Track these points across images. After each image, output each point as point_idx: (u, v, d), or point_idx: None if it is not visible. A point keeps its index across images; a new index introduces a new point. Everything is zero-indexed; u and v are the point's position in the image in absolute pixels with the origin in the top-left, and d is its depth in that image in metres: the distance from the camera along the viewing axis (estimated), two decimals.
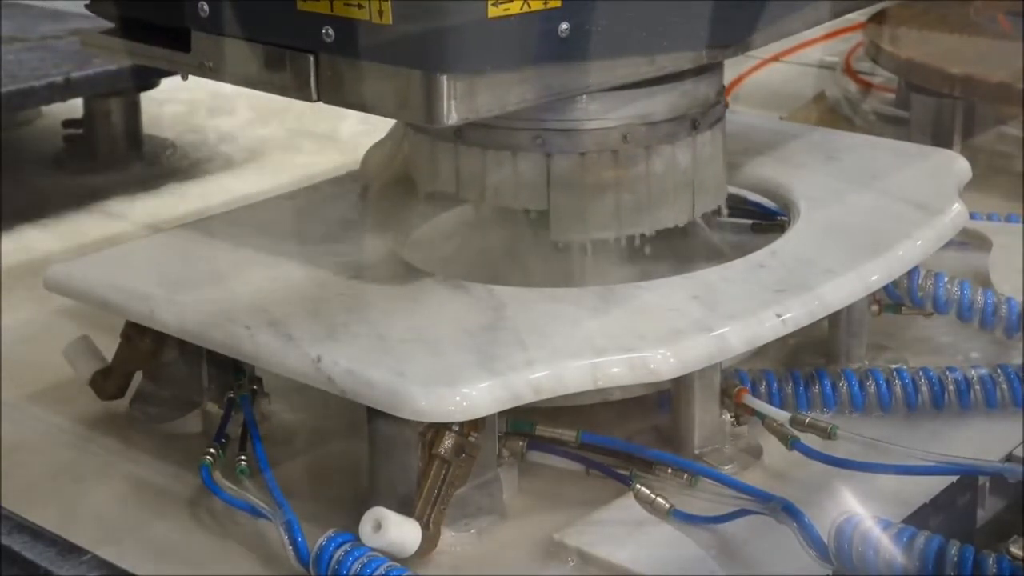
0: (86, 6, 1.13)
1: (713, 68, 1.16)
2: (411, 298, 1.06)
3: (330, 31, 0.97)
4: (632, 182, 1.13)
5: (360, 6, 0.95)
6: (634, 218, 1.14)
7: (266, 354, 1.01)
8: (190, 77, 1.11)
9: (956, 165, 1.30)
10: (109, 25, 1.13)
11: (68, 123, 1.92)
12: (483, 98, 0.96)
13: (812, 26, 1.21)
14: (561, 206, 1.12)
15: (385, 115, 1.01)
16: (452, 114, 0.95)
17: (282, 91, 1.02)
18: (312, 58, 0.99)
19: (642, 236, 1.15)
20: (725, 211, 1.24)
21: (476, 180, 1.13)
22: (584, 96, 1.08)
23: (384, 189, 1.25)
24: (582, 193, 1.12)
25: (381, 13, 0.94)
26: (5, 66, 1.75)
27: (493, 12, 0.94)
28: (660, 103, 1.12)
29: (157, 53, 1.09)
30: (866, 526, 0.93)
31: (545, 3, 0.96)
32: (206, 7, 1.03)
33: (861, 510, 0.95)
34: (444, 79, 0.94)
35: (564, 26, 0.98)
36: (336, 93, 0.99)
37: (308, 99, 1.00)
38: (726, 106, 1.20)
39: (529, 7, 0.95)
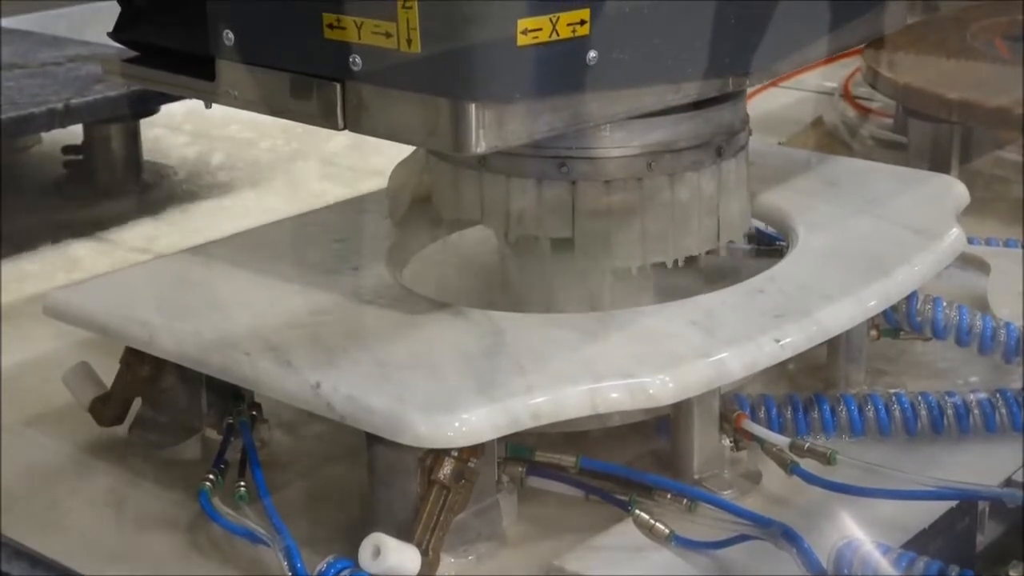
0: (109, 34, 1.12)
1: (737, 95, 1.16)
2: (410, 324, 1.06)
3: (357, 59, 0.97)
4: (657, 209, 1.12)
5: (388, 34, 0.94)
6: (659, 246, 1.13)
7: (265, 380, 1.01)
8: (190, 103, 1.11)
9: (954, 190, 1.30)
10: (119, 51, 1.12)
11: (68, 149, 1.92)
12: (511, 126, 0.95)
13: (833, 53, 1.21)
14: (586, 234, 1.12)
15: (413, 143, 1.01)
16: (481, 143, 0.94)
17: (308, 119, 1.01)
18: (339, 86, 0.98)
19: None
20: None
21: (500, 208, 1.13)
22: (609, 124, 1.08)
23: (389, 214, 1.25)
24: (607, 221, 1.11)
25: (410, 42, 0.93)
26: (5, 92, 1.75)
27: (522, 40, 0.93)
28: (685, 130, 1.11)
29: (181, 81, 1.08)
30: (865, 551, 0.93)
31: (573, 32, 0.96)
32: (231, 35, 1.03)
33: (860, 535, 0.95)
34: (473, 107, 0.93)
35: (592, 54, 0.98)
36: (363, 121, 0.98)
37: (335, 127, 0.99)
38: (750, 133, 1.20)
39: (558, 35, 0.95)
